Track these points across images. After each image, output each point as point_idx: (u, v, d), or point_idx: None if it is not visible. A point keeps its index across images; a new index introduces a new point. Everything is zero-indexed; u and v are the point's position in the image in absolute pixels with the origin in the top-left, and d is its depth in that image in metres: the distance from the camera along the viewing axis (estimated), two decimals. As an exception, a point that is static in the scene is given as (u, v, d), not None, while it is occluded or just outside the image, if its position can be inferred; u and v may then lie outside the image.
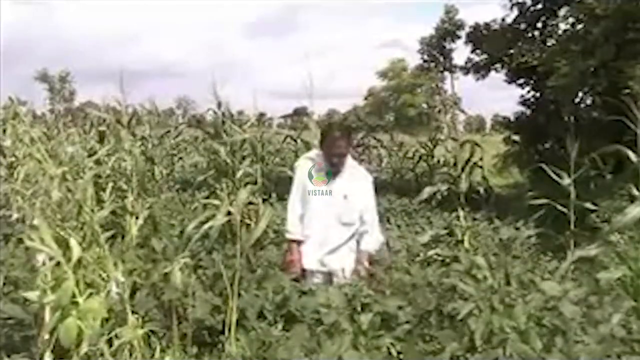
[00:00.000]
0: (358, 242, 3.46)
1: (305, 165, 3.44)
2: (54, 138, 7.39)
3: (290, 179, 3.59)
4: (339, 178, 3.35)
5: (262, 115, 7.62)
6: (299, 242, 3.43)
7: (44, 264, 2.38)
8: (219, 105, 5.50)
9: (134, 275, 3.27)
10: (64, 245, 2.36)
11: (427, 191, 5.56)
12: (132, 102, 5.85)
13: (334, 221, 3.36)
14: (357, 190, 3.37)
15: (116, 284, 2.48)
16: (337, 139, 3.27)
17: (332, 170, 3.33)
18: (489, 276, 2.72)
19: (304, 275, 3.40)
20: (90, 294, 2.34)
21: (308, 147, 8.24)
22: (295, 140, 9.94)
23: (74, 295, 2.29)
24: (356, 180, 3.39)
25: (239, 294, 2.99)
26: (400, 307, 2.61)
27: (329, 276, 3.36)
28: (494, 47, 12.33)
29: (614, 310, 2.43)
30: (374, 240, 3.44)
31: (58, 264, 2.30)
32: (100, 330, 2.30)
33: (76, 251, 2.33)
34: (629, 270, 3.13)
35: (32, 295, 2.35)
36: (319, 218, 3.37)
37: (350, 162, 3.41)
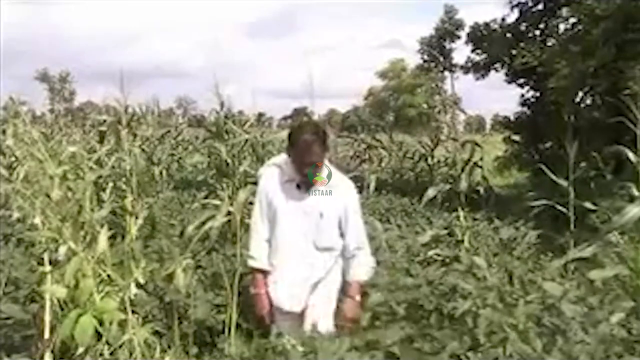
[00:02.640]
0: (343, 275, 2.75)
1: (270, 175, 2.70)
2: (53, 138, 7.41)
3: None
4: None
5: (261, 115, 7.62)
6: (265, 273, 2.70)
7: (65, 256, 2.35)
8: (222, 105, 5.49)
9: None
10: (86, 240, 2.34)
11: (431, 192, 5.61)
12: (132, 102, 5.84)
13: (310, 246, 2.64)
14: (336, 206, 2.64)
15: (135, 285, 2.45)
16: (310, 143, 2.51)
17: (304, 181, 2.60)
18: (488, 275, 2.72)
19: (273, 314, 2.71)
20: (108, 292, 2.32)
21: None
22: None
23: (91, 294, 2.27)
24: (336, 192, 2.65)
25: (239, 294, 2.99)
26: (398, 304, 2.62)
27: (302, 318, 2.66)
28: (495, 47, 12.35)
29: (614, 310, 2.44)
30: (363, 266, 2.71)
31: (80, 259, 2.26)
32: (116, 330, 2.27)
33: (101, 246, 2.30)
34: (629, 270, 3.14)
35: (55, 290, 2.31)
36: (289, 243, 2.64)
37: (332, 169, 2.70)
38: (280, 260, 2.66)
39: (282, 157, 2.72)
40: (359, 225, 2.73)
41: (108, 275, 2.34)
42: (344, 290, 2.70)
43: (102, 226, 2.46)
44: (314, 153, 2.53)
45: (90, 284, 2.24)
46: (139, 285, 2.60)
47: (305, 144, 2.52)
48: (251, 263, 2.71)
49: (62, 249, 2.35)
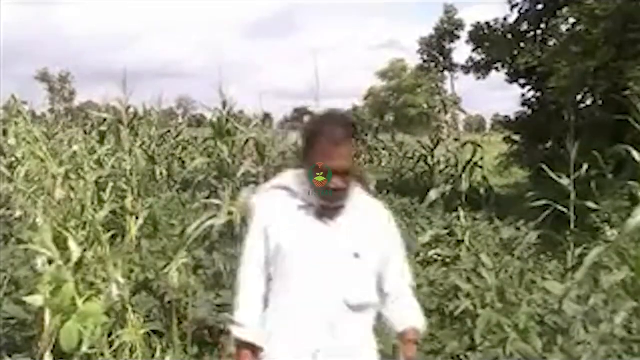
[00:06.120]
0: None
1: (271, 203, 1.76)
2: (53, 138, 7.41)
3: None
4: (342, 221, 1.70)
5: (266, 115, 7.62)
6: (255, 349, 1.69)
7: (43, 266, 2.38)
8: (224, 104, 5.49)
9: (135, 276, 3.28)
10: (64, 246, 2.35)
11: (433, 194, 5.63)
12: (132, 102, 5.85)
13: (338, 305, 1.67)
14: (377, 242, 1.73)
15: (117, 286, 2.47)
16: (338, 144, 1.62)
17: (327, 206, 1.68)
18: (488, 275, 2.72)
19: None
20: (90, 295, 2.34)
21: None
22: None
23: (73, 299, 2.28)
24: (372, 220, 1.75)
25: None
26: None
27: None
28: (496, 47, 12.37)
29: (615, 311, 2.43)
30: (415, 309, 1.78)
31: (58, 266, 2.29)
32: (100, 333, 2.29)
33: (75, 253, 2.32)
34: (631, 271, 3.13)
35: (33, 299, 2.34)
36: (305, 302, 1.67)
37: (358, 190, 1.75)
38: (288, 328, 1.69)
39: (290, 175, 1.78)
40: (405, 265, 1.83)
41: (104, 279, 2.35)
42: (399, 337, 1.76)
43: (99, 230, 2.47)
44: (341, 157, 1.63)
45: (71, 289, 2.24)
46: (141, 286, 2.62)
47: (329, 146, 1.61)
48: (238, 334, 1.71)
49: (40, 260, 2.36)
